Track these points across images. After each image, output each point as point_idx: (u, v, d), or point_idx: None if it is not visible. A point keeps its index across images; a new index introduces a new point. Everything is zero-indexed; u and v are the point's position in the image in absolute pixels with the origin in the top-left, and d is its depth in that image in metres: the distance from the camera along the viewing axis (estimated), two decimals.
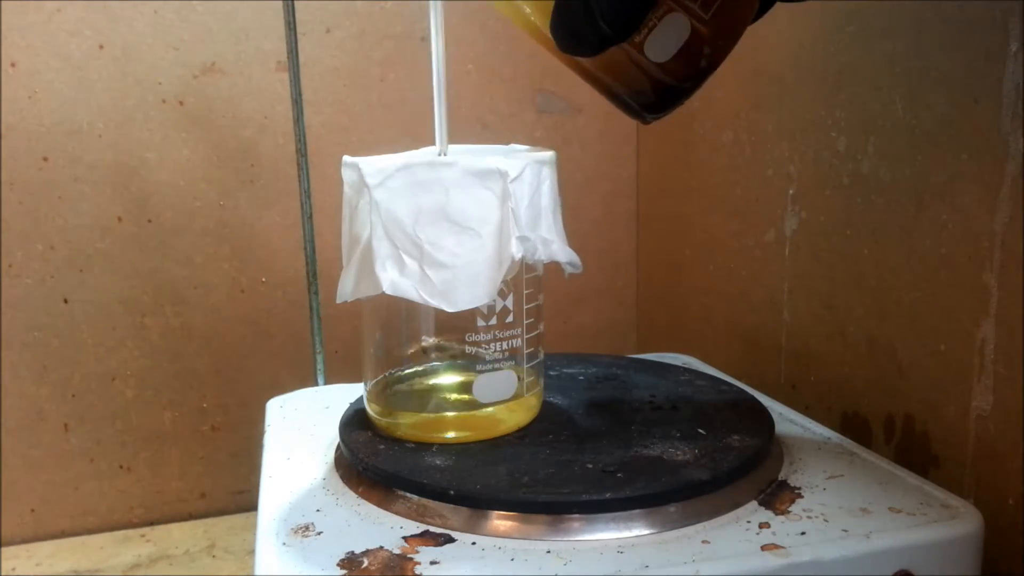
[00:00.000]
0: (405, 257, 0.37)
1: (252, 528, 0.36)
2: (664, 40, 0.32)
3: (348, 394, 0.50)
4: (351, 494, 0.38)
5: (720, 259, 0.65)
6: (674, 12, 0.32)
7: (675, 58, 0.33)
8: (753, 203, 0.60)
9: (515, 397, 0.41)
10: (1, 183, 0.64)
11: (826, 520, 0.35)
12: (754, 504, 0.36)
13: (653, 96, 0.35)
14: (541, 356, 0.43)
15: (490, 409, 0.41)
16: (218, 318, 0.70)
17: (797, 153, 0.54)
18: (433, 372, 0.43)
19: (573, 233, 0.42)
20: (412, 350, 0.42)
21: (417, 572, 0.31)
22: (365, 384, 0.43)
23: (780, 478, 0.39)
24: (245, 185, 0.69)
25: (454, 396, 0.42)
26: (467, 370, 0.40)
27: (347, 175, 0.39)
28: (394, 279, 0.37)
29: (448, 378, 0.43)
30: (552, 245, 0.40)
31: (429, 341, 0.41)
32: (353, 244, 0.39)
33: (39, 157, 0.65)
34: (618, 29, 0.30)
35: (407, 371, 0.43)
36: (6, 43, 0.63)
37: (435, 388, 0.43)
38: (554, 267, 0.41)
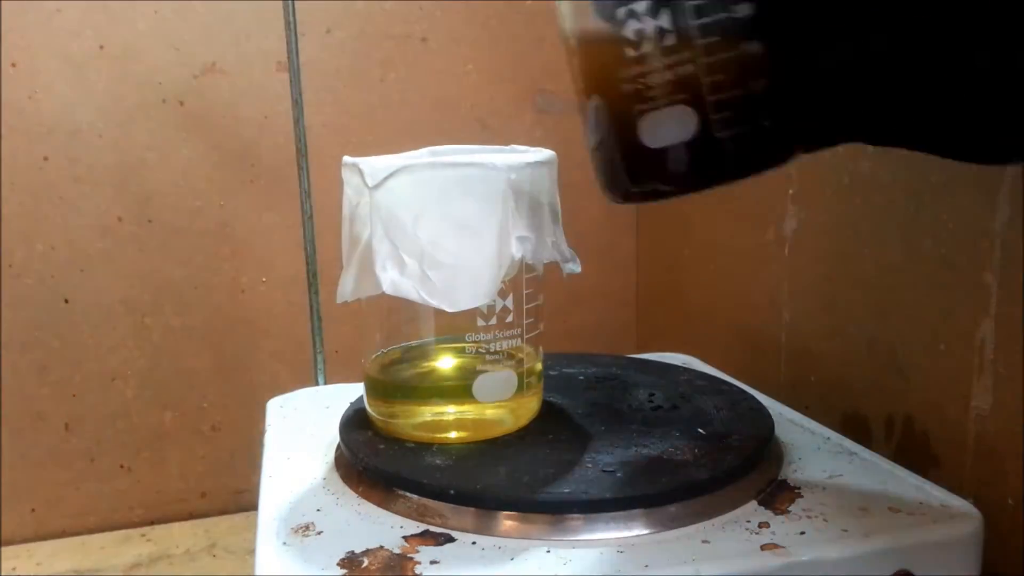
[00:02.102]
0: (405, 257, 0.37)
1: (252, 528, 0.36)
2: (663, 126, 0.28)
3: (348, 394, 0.49)
4: (351, 494, 0.38)
5: (720, 259, 0.65)
6: (687, 107, 0.28)
7: (663, 152, 0.29)
8: (753, 203, 0.60)
9: (515, 397, 0.41)
10: (1, 183, 0.64)
11: (826, 520, 0.35)
12: (754, 504, 0.36)
13: (623, 173, 0.32)
14: (541, 356, 0.43)
15: (490, 409, 0.41)
16: (218, 318, 0.70)
17: None
18: (433, 372, 0.43)
19: (573, 233, 0.42)
20: (412, 350, 0.43)
21: (417, 572, 0.31)
22: (365, 384, 0.43)
23: (780, 478, 0.39)
24: (245, 185, 0.69)
25: (454, 396, 0.42)
26: (467, 370, 0.40)
27: (347, 175, 0.39)
28: (394, 279, 0.37)
29: (448, 378, 0.43)
30: (552, 245, 0.40)
31: (429, 341, 0.42)
32: (353, 244, 0.39)
33: (39, 157, 0.65)
34: None
35: (407, 371, 0.43)
36: (6, 43, 0.63)
37: (435, 388, 0.43)
38: (554, 267, 0.41)
